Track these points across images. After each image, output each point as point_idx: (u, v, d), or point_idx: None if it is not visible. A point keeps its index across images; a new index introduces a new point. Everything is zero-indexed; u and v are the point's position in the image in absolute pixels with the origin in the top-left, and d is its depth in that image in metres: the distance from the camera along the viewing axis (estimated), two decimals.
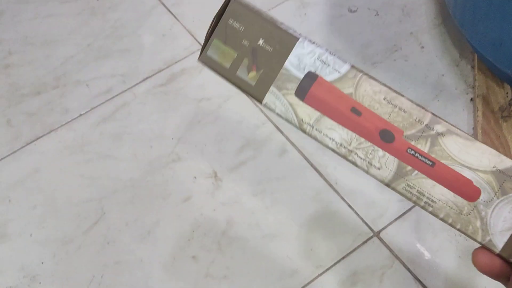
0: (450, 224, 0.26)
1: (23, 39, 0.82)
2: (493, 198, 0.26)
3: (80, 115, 0.72)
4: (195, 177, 0.64)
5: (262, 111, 0.69)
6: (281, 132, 0.66)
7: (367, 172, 0.27)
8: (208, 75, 0.74)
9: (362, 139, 0.27)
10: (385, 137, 0.27)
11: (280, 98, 0.28)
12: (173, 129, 0.69)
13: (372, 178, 0.28)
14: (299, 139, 0.65)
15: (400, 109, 0.28)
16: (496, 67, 0.59)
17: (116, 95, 0.73)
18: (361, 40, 0.75)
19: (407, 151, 0.27)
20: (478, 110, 0.61)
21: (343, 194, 0.61)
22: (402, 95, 0.28)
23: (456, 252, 0.55)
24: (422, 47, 0.72)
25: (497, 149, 0.60)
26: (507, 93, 0.61)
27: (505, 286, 0.25)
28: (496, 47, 0.54)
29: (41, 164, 0.67)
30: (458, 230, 0.26)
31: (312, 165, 0.63)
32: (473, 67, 0.68)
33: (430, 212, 0.27)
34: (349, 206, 0.60)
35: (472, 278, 0.53)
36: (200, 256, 0.57)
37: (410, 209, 0.59)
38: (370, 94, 0.28)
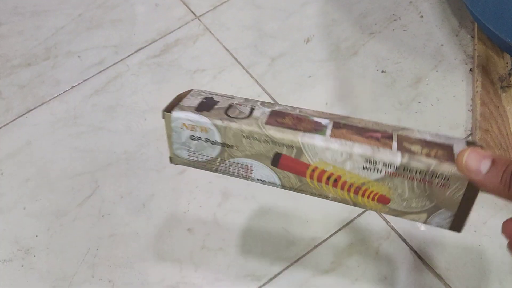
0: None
1: (12, 9, 0.80)
2: None
3: (72, 87, 0.70)
4: None
5: (257, 82, 0.67)
6: (277, 104, 0.65)
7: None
8: (203, 45, 0.72)
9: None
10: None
11: None
12: (167, 101, 0.67)
13: None
14: None
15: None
16: (496, 37, 0.58)
17: (109, 67, 0.71)
18: (359, 9, 0.73)
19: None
20: (477, 80, 0.60)
21: None
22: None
23: None
24: (422, 16, 0.71)
25: (495, 120, 0.59)
26: (507, 63, 0.60)
27: None
28: (498, 16, 0.53)
29: (33, 137, 0.66)
30: None
31: None
32: (473, 37, 0.66)
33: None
34: None
35: (468, 249, 0.53)
36: (195, 228, 0.57)
37: None
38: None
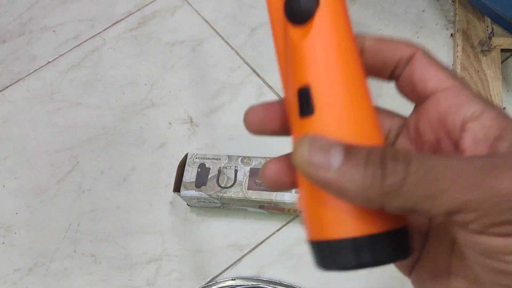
0: None
1: None
2: None
3: (48, 62, 0.69)
4: (170, 123, 0.62)
5: (237, 53, 0.66)
6: (258, 75, 0.64)
7: None
8: (181, 17, 0.71)
9: None
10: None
11: None
12: (146, 75, 0.66)
13: None
14: (276, 81, 0.63)
15: None
16: (477, 0, 0.57)
17: (85, 41, 0.70)
18: None
19: None
20: (457, 45, 0.59)
21: None
22: None
23: None
24: None
25: (475, 84, 0.58)
26: (487, 26, 0.59)
27: None
28: None
29: (10, 114, 0.65)
30: None
31: None
32: (453, 1, 0.65)
33: None
34: None
35: None
36: (177, 201, 0.57)
37: None
38: None
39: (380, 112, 0.21)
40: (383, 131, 0.21)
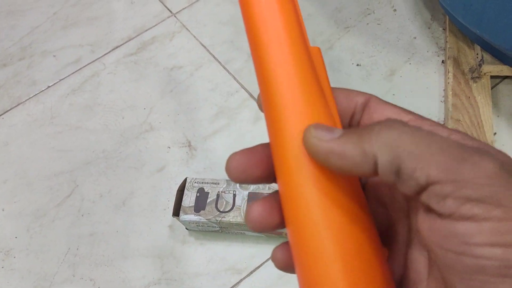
0: None
1: None
2: None
3: (48, 86, 0.70)
4: (169, 147, 0.63)
5: (234, 78, 0.68)
6: (255, 99, 0.66)
7: None
8: (179, 42, 0.72)
9: None
10: None
11: None
12: (145, 99, 0.68)
13: None
14: None
15: None
16: (466, 28, 0.59)
17: (85, 65, 0.71)
18: (334, 3, 0.74)
19: None
20: (448, 72, 0.61)
21: None
22: None
23: None
24: (395, 10, 0.72)
25: (467, 110, 0.60)
26: (477, 54, 0.61)
27: None
28: (466, 7, 0.54)
29: (10, 137, 0.66)
30: None
31: None
32: (444, 29, 0.68)
33: None
34: None
35: None
36: (176, 225, 0.57)
37: None
38: None
39: (342, 92, 0.21)
40: (349, 108, 0.21)
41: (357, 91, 0.20)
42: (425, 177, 0.15)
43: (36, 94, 0.69)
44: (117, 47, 0.73)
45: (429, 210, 0.16)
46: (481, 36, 0.56)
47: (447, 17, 0.66)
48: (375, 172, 0.17)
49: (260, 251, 0.55)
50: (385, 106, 0.20)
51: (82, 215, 0.59)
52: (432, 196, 0.15)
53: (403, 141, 0.16)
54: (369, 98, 0.20)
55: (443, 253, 0.16)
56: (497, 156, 0.16)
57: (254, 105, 0.65)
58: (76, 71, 0.71)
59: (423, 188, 0.15)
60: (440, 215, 0.15)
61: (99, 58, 0.72)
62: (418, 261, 0.19)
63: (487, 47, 0.60)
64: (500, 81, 0.63)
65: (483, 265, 0.14)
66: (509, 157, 0.16)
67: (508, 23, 0.52)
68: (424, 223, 0.17)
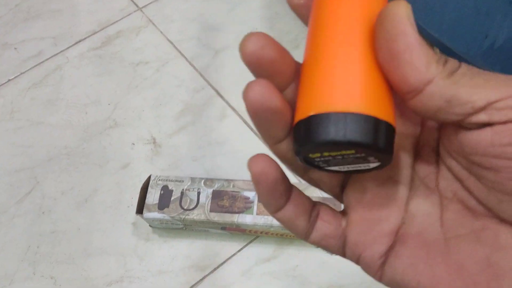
0: None
1: None
2: None
3: (9, 80, 0.68)
4: (133, 144, 0.63)
5: (201, 75, 0.68)
6: (221, 97, 0.66)
7: None
8: (145, 37, 0.72)
9: None
10: None
11: None
12: (110, 94, 0.67)
13: None
14: (240, 104, 0.65)
15: None
16: (426, 32, 0.61)
17: (47, 59, 0.70)
18: None
19: None
20: None
21: None
22: None
23: None
24: None
25: None
26: None
27: None
28: (426, 11, 0.56)
29: None
30: None
31: (252, 129, 0.64)
32: None
33: None
34: None
35: None
36: (140, 222, 0.57)
37: None
38: None
39: None
40: None
41: None
42: (485, 99, 0.15)
43: None
44: (80, 40, 0.71)
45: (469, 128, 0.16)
46: (440, 40, 0.58)
47: None
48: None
49: (224, 248, 0.56)
50: None
51: (43, 213, 0.58)
52: (494, 112, 0.15)
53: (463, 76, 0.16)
54: None
55: (497, 162, 0.16)
56: None
57: (221, 102, 0.66)
58: (37, 65, 0.69)
59: (480, 109, 0.15)
60: (505, 122, 0.15)
61: (62, 51, 0.70)
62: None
63: (446, 51, 0.62)
64: None
65: None
66: None
67: (467, 28, 0.54)
68: (469, 138, 0.16)
